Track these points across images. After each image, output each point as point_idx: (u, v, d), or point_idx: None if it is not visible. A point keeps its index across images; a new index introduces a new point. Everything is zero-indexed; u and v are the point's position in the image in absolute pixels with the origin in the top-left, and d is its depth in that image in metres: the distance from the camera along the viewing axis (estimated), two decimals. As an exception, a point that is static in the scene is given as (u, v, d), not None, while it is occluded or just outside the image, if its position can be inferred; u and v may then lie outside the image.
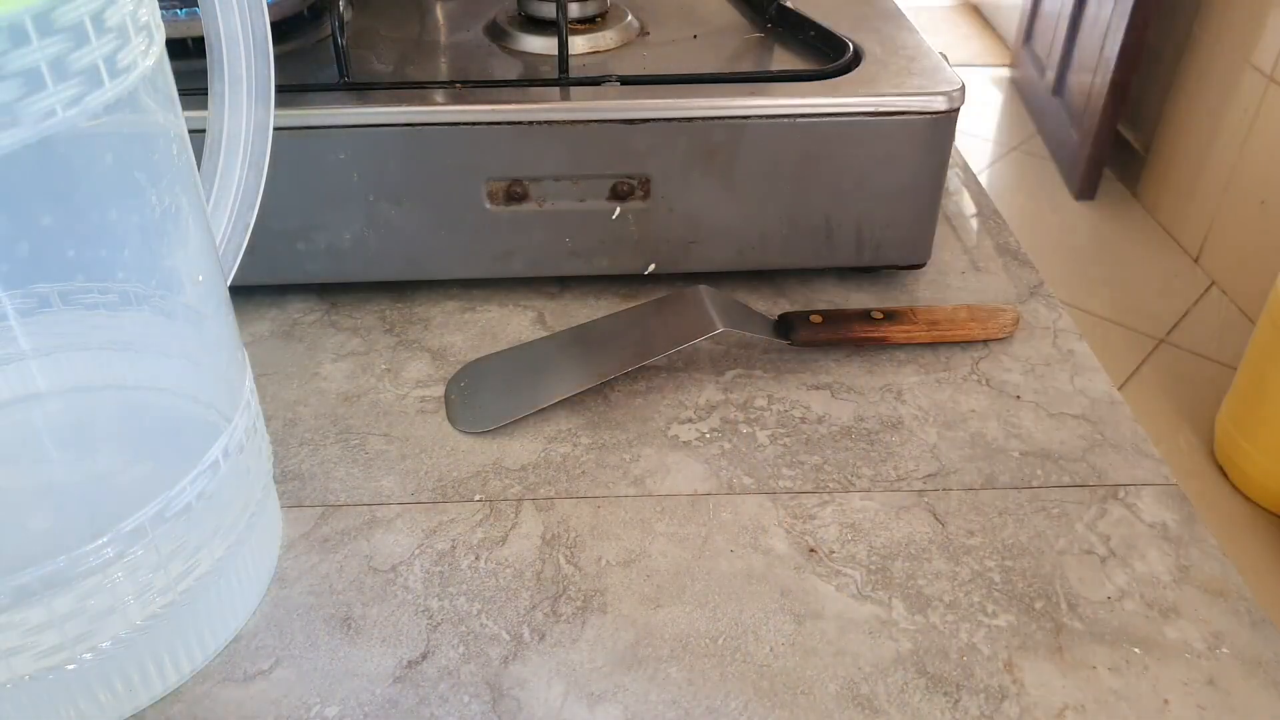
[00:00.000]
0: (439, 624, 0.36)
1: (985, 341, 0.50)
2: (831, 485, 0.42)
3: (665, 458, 0.43)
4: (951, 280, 0.55)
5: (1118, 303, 1.79)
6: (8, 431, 0.33)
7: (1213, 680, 0.34)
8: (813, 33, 0.55)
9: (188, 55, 0.40)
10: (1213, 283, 1.84)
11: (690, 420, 0.45)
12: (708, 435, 0.44)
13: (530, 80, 0.50)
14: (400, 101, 0.47)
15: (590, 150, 0.48)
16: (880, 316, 0.49)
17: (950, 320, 0.49)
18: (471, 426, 0.45)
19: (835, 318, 0.49)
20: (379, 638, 0.36)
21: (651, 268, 0.52)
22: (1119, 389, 0.46)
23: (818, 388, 0.47)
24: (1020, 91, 2.59)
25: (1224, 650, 0.35)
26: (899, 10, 0.58)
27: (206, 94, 0.37)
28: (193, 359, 0.34)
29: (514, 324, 0.51)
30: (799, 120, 0.48)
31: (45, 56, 0.24)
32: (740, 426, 0.45)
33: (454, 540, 0.39)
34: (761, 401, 0.46)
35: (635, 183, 0.49)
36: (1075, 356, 0.49)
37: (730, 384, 0.47)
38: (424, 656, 0.35)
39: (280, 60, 0.38)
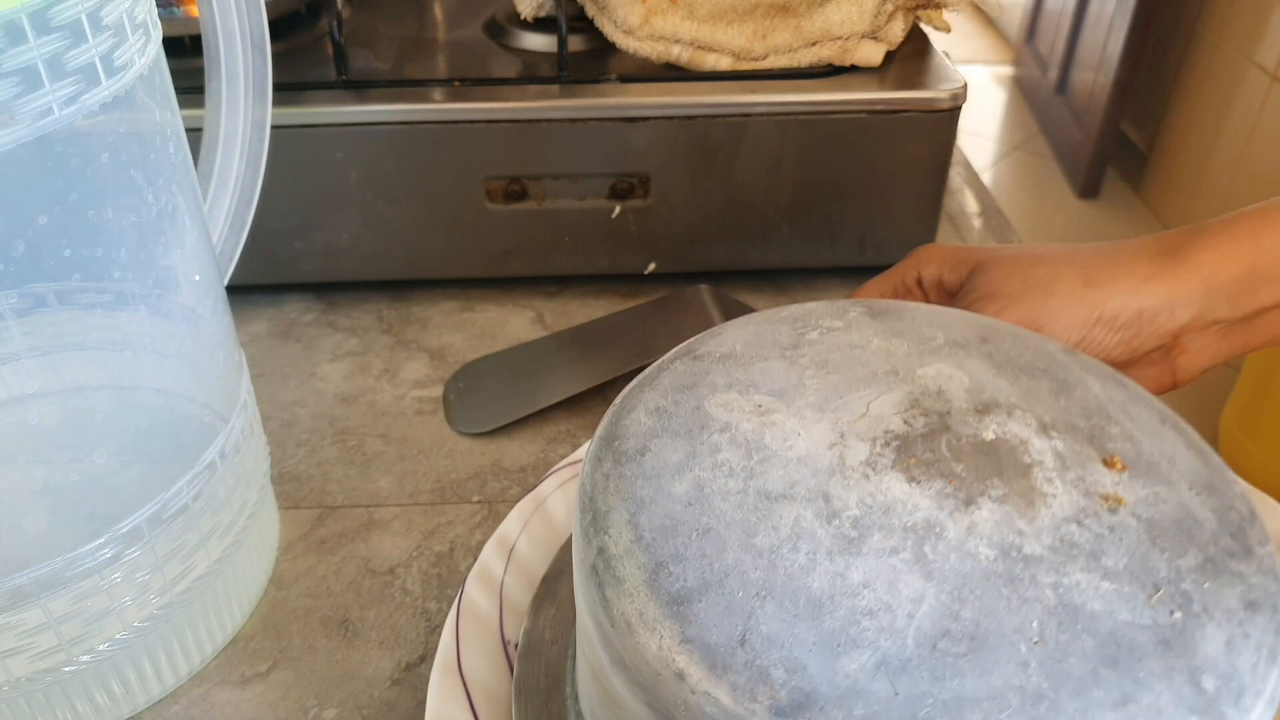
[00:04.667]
0: (437, 626, 0.36)
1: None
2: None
3: (665, 458, 0.43)
4: (953, 279, 0.54)
5: (1120, 301, 1.79)
6: (4, 432, 0.33)
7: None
8: (814, 31, 0.55)
9: (185, 53, 0.40)
10: (1215, 281, 1.84)
11: (690, 420, 0.45)
12: (708, 435, 0.44)
13: (529, 78, 0.50)
14: (398, 99, 0.47)
15: (590, 148, 0.48)
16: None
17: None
18: (470, 427, 0.45)
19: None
20: (377, 640, 0.35)
21: (652, 267, 0.52)
22: (1122, 389, 0.46)
23: (819, 388, 0.47)
24: (1023, 90, 2.58)
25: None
26: (901, 8, 0.58)
27: (204, 92, 0.36)
28: (189, 359, 0.34)
29: (513, 324, 0.51)
30: (800, 118, 0.47)
31: (42, 55, 0.24)
32: (741, 427, 0.44)
33: (452, 542, 0.39)
34: (762, 401, 0.46)
35: (635, 181, 0.49)
36: (1078, 356, 0.49)
37: (731, 384, 0.47)
38: (422, 659, 0.35)
39: (278, 58, 0.38)
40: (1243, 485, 0.24)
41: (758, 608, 0.20)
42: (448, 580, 0.37)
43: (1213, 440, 1.46)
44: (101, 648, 0.31)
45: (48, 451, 0.32)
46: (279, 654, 0.35)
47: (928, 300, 0.39)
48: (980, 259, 0.37)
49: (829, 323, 0.28)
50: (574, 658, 0.29)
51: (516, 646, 0.31)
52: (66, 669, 0.31)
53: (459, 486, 0.42)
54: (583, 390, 0.45)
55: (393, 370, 0.48)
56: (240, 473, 0.34)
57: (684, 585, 0.21)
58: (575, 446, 0.44)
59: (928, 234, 0.52)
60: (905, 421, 0.24)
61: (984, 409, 0.24)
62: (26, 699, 0.31)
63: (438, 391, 0.47)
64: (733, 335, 0.28)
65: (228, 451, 0.33)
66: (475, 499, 0.41)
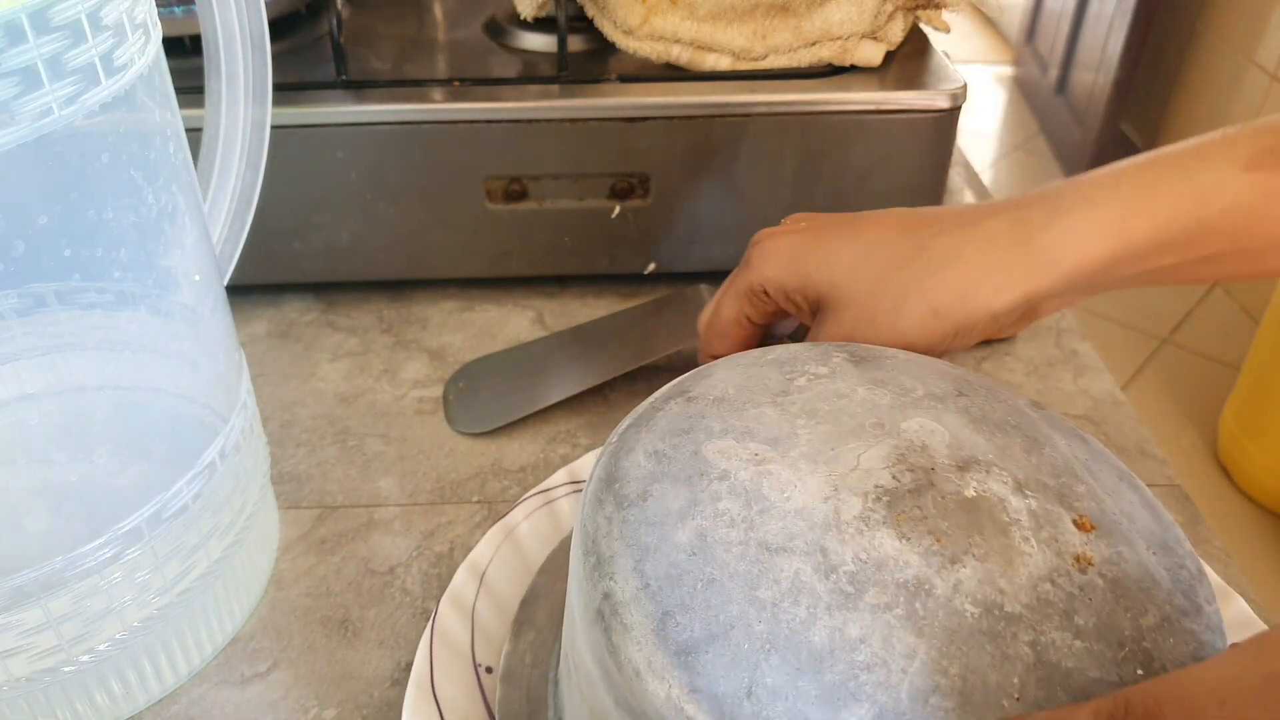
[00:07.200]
0: (437, 625, 0.36)
1: (988, 342, 0.50)
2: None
3: (665, 458, 0.43)
4: (953, 279, 0.54)
5: (1121, 302, 1.79)
6: (4, 432, 0.33)
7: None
8: (814, 31, 0.55)
9: (185, 53, 0.40)
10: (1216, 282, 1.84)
11: (690, 420, 0.45)
12: (708, 435, 0.44)
13: (529, 78, 0.50)
14: (398, 99, 0.47)
15: (590, 148, 0.48)
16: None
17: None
18: (470, 427, 0.45)
19: (836, 317, 0.49)
20: (377, 640, 0.35)
21: (651, 267, 0.52)
22: (1122, 389, 0.46)
23: (819, 388, 0.47)
24: (1023, 89, 2.58)
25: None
26: (901, 8, 0.58)
27: (204, 92, 0.36)
28: (189, 359, 0.34)
29: (513, 324, 0.51)
30: (800, 118, 0.47)
31: (42, 54, 0.24)
32: (741, 427, 0.44)
33: (452, 542, 0.39)
34: (762, 401, 0.46)
35: (635, 181, 0.49)
36: (1078, 357, 0.49)
37: (731, 384, 0.47)
38: (422, 658, 0.35)
39: (278, 58, 0.38)
40: (1188, 544, 0.26)
41: (762, 660, 0.21)
42: (448, 580, 0.37)
43: (1212, 441, 1.47)
44: (101, 648, 0.31)
45: (48, 451, 0.32)
46: (279, 654, 0.35)
47: (780, 309, 0.37)
48: (822, 292, 0.35)
49: (814, 369, 0.29)
50: (555, 683, 0.30)
51: (488, 669, 0.32)
52: (66, 669, 0.31)
53: (459, 486, 0.42)
54: (583, 390, 0.45)
55: (393, 370, 0.48)
56: (240, 473, 0.34)
57: (691, 635, 0.22)
58: (575, 446, 0.44)
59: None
60: (894, 476, 0.25)
61: (964, 465, 0.26)
62: (26, 699, 0.31)
63: (438, 391, 0.47)
64: (723, 378, 0.28)
65: (228, 451, 0.33)
66: (475, 499, 0.41)
